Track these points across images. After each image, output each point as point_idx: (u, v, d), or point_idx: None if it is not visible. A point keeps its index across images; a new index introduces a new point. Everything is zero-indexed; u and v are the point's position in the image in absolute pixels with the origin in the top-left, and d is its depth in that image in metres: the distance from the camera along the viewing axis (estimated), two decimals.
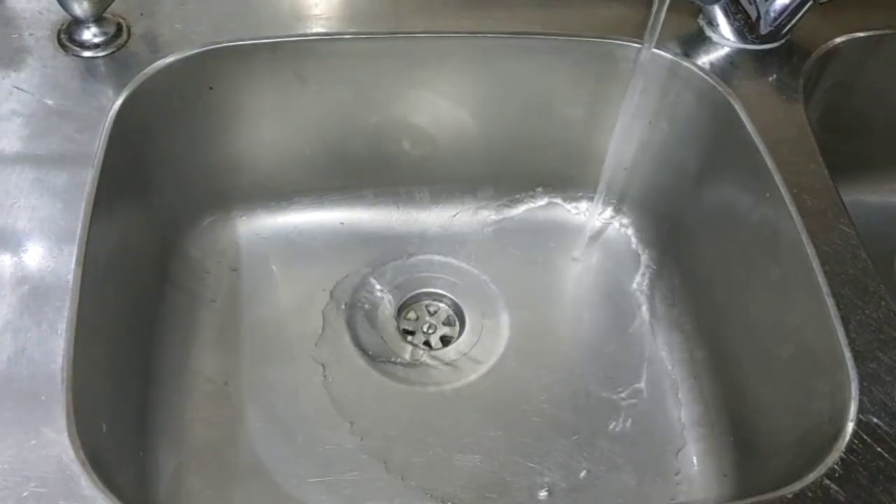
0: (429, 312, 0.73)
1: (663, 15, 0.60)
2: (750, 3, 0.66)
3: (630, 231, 0.78)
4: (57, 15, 0.64)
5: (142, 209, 0.66)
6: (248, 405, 0.65)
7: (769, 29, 0.66)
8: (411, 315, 0.73)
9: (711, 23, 0.68)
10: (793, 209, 0.58)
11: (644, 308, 0.73)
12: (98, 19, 0.63)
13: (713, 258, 0.69)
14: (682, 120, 0.68)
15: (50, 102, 0.59)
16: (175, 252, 0.72)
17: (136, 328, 0.63)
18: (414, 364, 0.69)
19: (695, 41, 0.68)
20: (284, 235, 0.76)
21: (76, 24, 0.63)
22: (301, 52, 0.66)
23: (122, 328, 0.60)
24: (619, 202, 0.78)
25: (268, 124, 0.71)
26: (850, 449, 0.47)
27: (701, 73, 0.66)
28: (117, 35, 0.63)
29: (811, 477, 0.46)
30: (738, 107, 0.63)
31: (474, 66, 0.69)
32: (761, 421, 0.60)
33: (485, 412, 0.67)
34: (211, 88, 0.66)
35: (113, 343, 0.57)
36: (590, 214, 0.78)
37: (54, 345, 0.48)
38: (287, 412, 0.65)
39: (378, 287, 0.73)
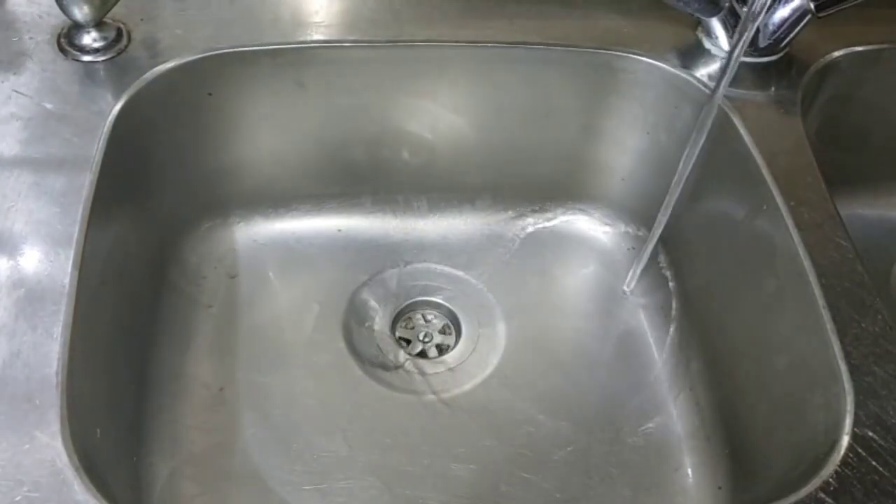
0: (425, 321, 0.73)
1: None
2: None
3: (626, 242, 0.78)
4: (57, 19, 0.64)
5: (140, 214, 0.66)
6: (244, 411, 0.65)
7: (768, 42, 0.66)
8: (407, 323, 0.73)
9: (710, 35, 0.68)
10: (790, 222, 0.58)
11: (641, 318, 0.73)
12: (98, 24, 0.63)
13: (710, 269, 0.69)
14: (679, 131, 0.68)
15: (49, 106, 0.59)
16: (173, 257, 0.72)
17: (132, 333, 0.63)
18: (410, 372, 0.69)
19: (693, 53, 0.68)
20: (282, 242, 0.76)
21: (76, 28, 0.63)
22: (301, 59, 0.66)
23: (119, 333, 0.60)
24: (616, 213, 0.78)
25: (267, 131, 0.71)
26: (845, 462, 0.47)
27: (699, 85, 0.66)
28: (117, 40, 0.63)
29: (806, 490, 0.46)
30: (735, 119, 0.64)
31: (473, 76, 0.70)
32: (757, 433, 0.60)
33: (480, 422, 0.67)
34: (210, 94, 0.66)
35: (109, 348, 0.57)
36: (588, 225, 0.79)
37: (49, 349, 0.48)
38: (282, 419, 0.65)
39: (374, 296, 0.73)
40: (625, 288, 0.75)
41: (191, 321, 0.69)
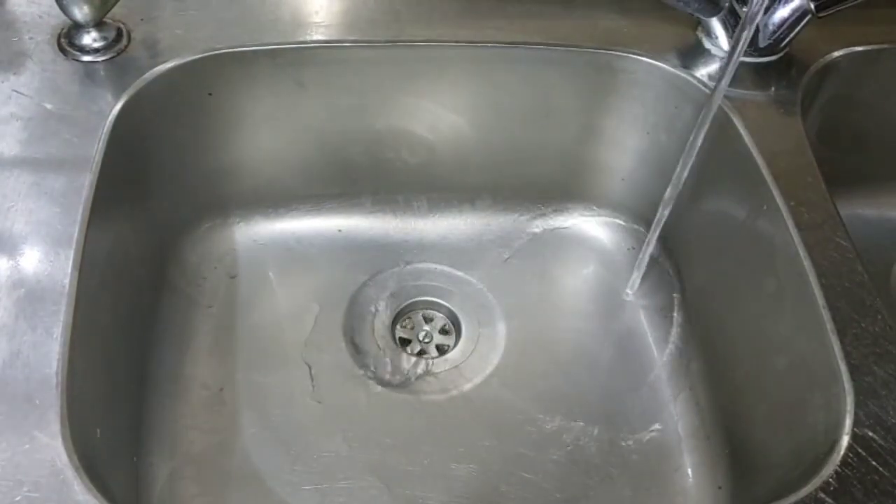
0: (425, 321, 0.73)
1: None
2: None
3: (626, 242, 0.78)
4: (57, 19, 0.64)
5: (140, 214, 0.66)
6: (243, 412, 0.65)
7: (768, 42, 0.66)
8: (407, 323, 0.73)
9: (710, 35, 0.68)
10: (790, 222, 0.58)
11: (640, 318, 0.73)
12: (98, 24, 0.63)
13: (710, 270, 0.69)
14: (679, 131, 0.68)
15: (49, 106, 0.59)
16: (172, 257, 0.72)
17: (132, 333, 0.63)
18: (409, 373, 0.69)
19: (693, 53, 0.68)
20: (282, 242, 0.76)
21: (76, 28, 0.63)
22: (301, 59, 0.66)
23: (118, 333, 0.60)
24: (617, 213, 0.78)
25: (267, 131, 0.71)
26: (845, 462, 0.47)
27: (699, 85, 0.66)
28: (117, 40, 0.63)
29: (806, 490, 0.46)
30: (735, 119, 0.64)
31: (473, 76, 0.70)
32: (757, 433, 0.60)
33: (480, 422, 0.67)
34: (210, 94, 0.66)
35: (108, 348, 0.57)
36: (588, 225, 0.79)
37: (49, 349, 0.48)
38: (282, 419, 0.65)
39: (374, 296, 0.73)
40: (627, 291, 0.75)
41: (190, 321, 0.69)
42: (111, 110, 0.60)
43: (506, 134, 0.74)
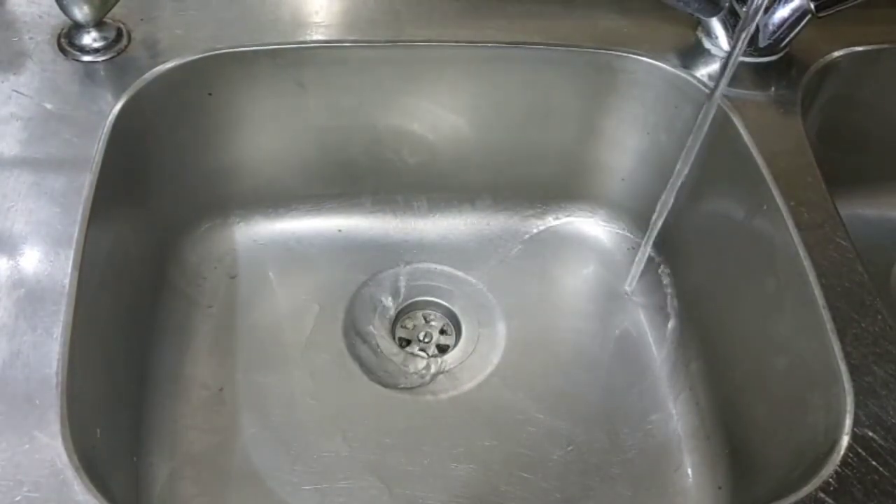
0: (425, 321, 0.73)
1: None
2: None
3: (626, 242, 0.78)
4: (57, 19, 0.64)
5: (140, 214, 0.66)
6: (243, 412, 0.65)
7: (768, 42, 0.66)
8: (408, 323, 0.73)
9: (710, 35, 0.68)
10: (790, 222, 0.58)
11: (640, 318, 0.73)
12: (98, 24, 0.63)
13: (710, 269, 0.69)
14: (679, 131, 0.68)
15: (49, 106, 0.59)
16: (172, 257, 0.72)
17: (132, 333, 0.63)
18: (409, 373, 0.69)
19: (693, 53, 0.68)
20: (282, 242, 0.76)
21: (76, 28, 0.63)
22: (301, 59, 0.66)
23: (118, 333, 0.60)
24: (616, 213, 0.78)
25: (267, 131, 0.71)
26: (844, 462, 0.47)
27: (699, 85, 0.66)
28: (117, 40, 0.63)
29: (806, 490, 0.46)
30: (735, 119, 0.64)
31: (474, 76, 0.70)
32: (757, 433, 0.60)
33: (480, 421, 0.67)
34: (210, 94, 0.66)
35: (108, 348, 0.57)
36: (588, 225, 0.79)
37: (49, 349, 0.48)
38: (282, 419, 0.65)
39: (374, 296, 0.73)
40: (626, 288, 0.75)
41: (190, 321, 0.69)
42: (111, 110, 0.60)
43: (506, 134, 0.74)
